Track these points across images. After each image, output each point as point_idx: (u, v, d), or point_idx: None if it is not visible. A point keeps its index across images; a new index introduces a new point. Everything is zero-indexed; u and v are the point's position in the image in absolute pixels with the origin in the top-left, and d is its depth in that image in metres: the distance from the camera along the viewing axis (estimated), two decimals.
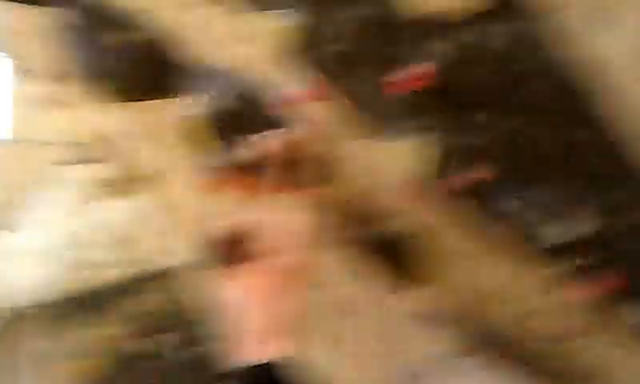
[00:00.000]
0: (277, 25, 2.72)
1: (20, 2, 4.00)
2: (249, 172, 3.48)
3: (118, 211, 7.85)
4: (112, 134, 4.87)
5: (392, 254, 3.69)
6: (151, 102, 4.09)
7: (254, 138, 3.40)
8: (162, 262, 8.31)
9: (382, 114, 2.87)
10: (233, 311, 2.90)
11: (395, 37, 2.60)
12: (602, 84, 2.34)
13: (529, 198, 2.76)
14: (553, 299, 3.12)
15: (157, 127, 4.40)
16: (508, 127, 2.60)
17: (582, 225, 2.69)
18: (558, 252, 2.82)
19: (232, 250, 2.85)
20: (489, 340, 3.72)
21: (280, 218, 2.98)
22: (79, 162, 8.07)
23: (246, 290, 2.70)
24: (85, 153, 7.27)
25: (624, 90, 2.34)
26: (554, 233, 2.74)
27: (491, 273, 3.30)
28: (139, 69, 3.71)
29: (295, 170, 3.33)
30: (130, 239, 7.91)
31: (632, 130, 2.41)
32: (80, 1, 3.59)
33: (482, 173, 2.76)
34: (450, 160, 2.83)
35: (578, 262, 2.90)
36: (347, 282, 4.32)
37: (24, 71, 4.72)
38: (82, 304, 8.13)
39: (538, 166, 2.66)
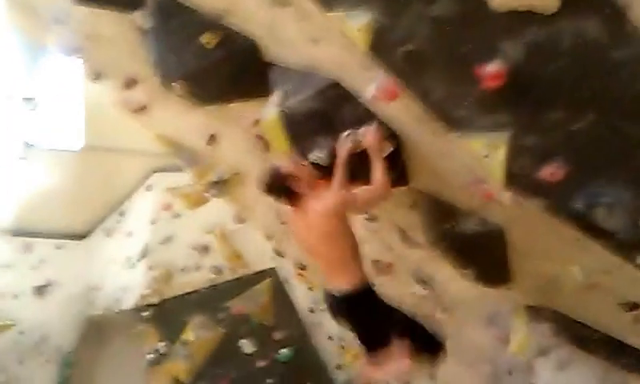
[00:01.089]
0: (350, 25, 2.70)
1: (95, 5, 4.03)
2: (329, 171, 3.52)
3: (203, 216, 7.96)
4: (192, 138, 4.95)
5: (477, 249, 3.65)
6: (231, 104, 4.11)
7: (338, 137, 3.43)
8: (252, 265, 8.40)
9: (456, 112, 2.85)
10: None
11: (467, 36, 2.56)
12: None
13: (607, 194, 2.69)
14: None
15: (237, 130, 4.41)
16: (581, 125, 2.55)
17: None
18: None
19: None
20: (580, 332, 3.63)
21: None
22: (162, 169, 8.22)
23: None
24: (165, 160, 7.42)
25: None
26: None
27: (588, 263, 3.21)
28: (218, 71, 3.76)
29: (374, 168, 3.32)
30: (218, 243, 8.03)
31: None
32: (159, 3, 3.63)
33: (557, 169, 2.70)
34: (524, 156, 2.79)
35: None
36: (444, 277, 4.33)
37: (97, 75, 4.82)
38: (177, 307, 8.40)
39: (612, 163, 2.62)
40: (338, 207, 3.12)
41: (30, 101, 7.78)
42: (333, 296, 3.30)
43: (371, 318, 3.33)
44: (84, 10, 4.07)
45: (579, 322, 3.74)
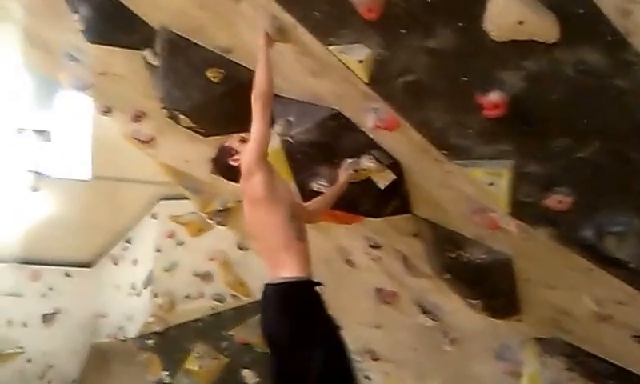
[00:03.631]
0: (352, 57, 2.72)
1: (108, 44, 4.08)
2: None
3: (206, 244, 7.99)
4: (196, 168, 4.99)
5: (484, 279, 3.60)
6: (234, 135, 4.14)
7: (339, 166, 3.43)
8: (255, 293, 8.35)
9: (458, 141, 2.81)
10: None
11: (467, 67, 2.52)
12: None
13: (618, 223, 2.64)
14: None
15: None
16: (586, 153, 2.50)
17: None
18: None
19: None
20: (594, 365, 3.56)
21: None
22: (166, 198, 8.28)
23: None
24: (170, 189, 7.47)
25: None
26: None
27: (600, 293, 3.16)
28: (222, 104, 3.82)
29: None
30: (221, 271, 8.03)
31: None
32: (168, 41, 3.72)
33: (564, 197, 2.65)
34: (529, 185, 2.75)
35: None
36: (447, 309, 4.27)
37: (107, 109, 4.92)
38: (180, 335, 8.35)
39: (620, 191, 2.57)
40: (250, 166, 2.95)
41: (42, 133, 7.95)
42: (265, 286, 2.96)
43: (294, 318, 2.84)
44: (96, 48, 4.18)
45: (593, 355, 3.65)
